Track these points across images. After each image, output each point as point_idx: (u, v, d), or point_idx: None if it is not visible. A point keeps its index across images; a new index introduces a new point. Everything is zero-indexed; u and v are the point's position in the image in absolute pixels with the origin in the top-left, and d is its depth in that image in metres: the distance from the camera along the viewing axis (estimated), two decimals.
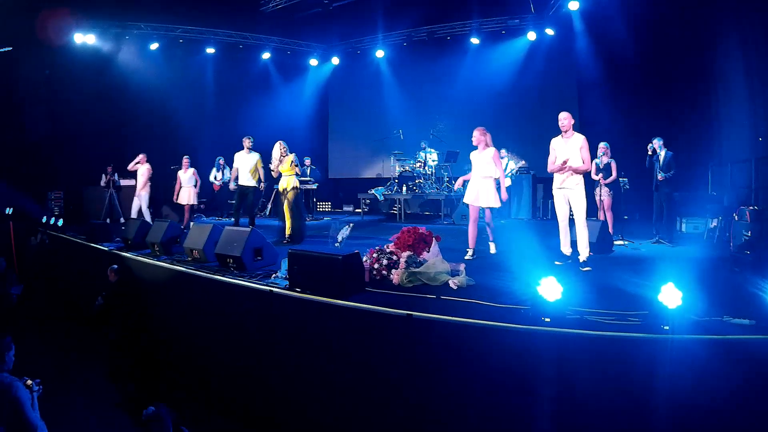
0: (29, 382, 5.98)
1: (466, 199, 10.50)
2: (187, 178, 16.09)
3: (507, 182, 15.19)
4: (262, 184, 14.36)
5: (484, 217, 10.53)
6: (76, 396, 7.68)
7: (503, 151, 16.24)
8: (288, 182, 12.65)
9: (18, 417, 5.74)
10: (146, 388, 7.50)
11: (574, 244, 9.51)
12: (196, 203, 16.75)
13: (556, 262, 9.49)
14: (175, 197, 16.05)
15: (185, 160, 16.15)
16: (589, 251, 9.30)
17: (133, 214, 15.89)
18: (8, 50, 16.90)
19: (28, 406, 5.83)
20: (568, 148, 9.36)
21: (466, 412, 5.96)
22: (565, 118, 9.46)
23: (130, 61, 19.77)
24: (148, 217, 15.63)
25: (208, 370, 9.38)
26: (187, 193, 16.05)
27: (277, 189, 12.94)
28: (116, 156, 19.00)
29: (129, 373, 9.73)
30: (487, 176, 10.25)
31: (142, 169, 16.15)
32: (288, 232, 12.52)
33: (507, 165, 16.84)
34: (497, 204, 10.33)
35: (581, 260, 9.22)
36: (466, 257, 10.06)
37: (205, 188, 19.24)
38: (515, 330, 5.75)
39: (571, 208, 9.39)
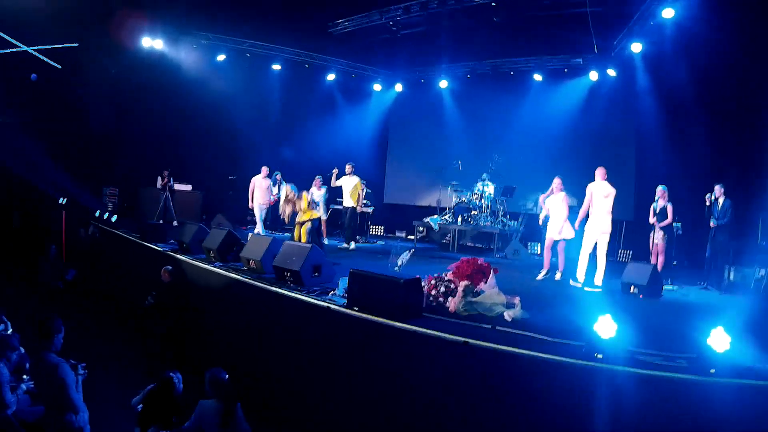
0: (75, 364, 6.21)
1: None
2: (320, 194, 16.72)
3: None
4: (359, 206, 16.25)
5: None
6: (116, 387, 7.93)
7: None
8: (309, 214, 13.17)
9: (62, 397, 5.92)
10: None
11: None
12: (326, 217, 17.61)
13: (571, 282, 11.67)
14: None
15: (317, 179, 16.76)
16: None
17: (260, 226, 16.94)
18: (75, 46, 17.37)
19: (73, 388, 6.01)
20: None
21: None
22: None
23: (195, 70, 20.01)
24: (260, 227, 16.68)
25: (254, 380, 9.34)
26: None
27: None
28: (174, 160, 19.53)
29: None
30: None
31: (266, 182, 16.92)
32: None
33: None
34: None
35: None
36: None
37: None
38: (569, 364, 5.90)
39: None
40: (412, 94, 23.31)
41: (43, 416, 6.26)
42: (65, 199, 17.40)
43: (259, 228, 16.55)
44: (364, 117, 23.80)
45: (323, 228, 17.27)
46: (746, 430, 5.18)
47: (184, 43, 19.64)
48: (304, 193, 13.22)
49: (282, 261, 10.00)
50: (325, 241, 16.69)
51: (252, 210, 17.32)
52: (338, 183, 15.88)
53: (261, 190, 16.73)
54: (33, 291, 14.42)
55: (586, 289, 11.31)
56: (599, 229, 11.51)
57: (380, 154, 24.52)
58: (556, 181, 12.57)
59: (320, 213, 16.82)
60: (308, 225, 12.89)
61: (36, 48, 17.10)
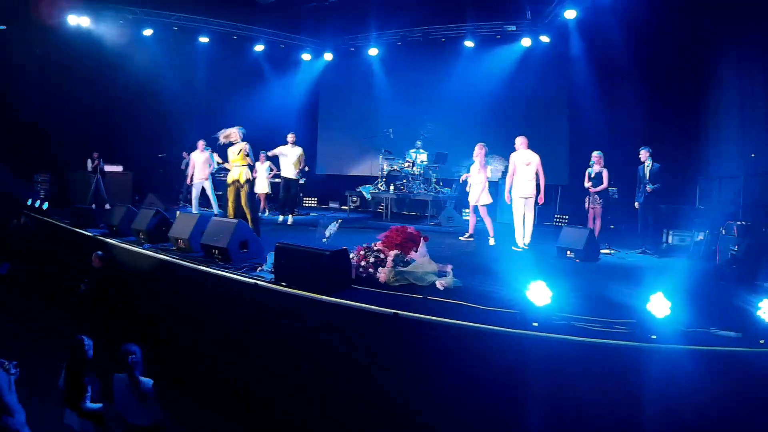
0: (6, 364, 5.91)
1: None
2: (264, 168, 16.88)
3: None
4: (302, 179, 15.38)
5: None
6: (55, 381, 7.58)
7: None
8: (242, 173, 11.90)
9: None
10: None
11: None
12: (270, 192, 17.56)
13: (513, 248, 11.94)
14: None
15: (262, 155, 16.59)
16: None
17: (194, 205, 16.10)
18: (2, 28, 16.69)
19: (5, 390, 5.75)
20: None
21: (451, 413, 5.93)
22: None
23: (122, 46, 19.48)
24: (215, 205, 16.18)
25: (188, 359, 9.28)
26: (262, 182, 16.84)
27: (227, 180, 12.19)
28: (103, 141, 18.94)
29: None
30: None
31: (203, 156, 16.05)
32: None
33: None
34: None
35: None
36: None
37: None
38: (504, 333, 5.72)
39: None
40: (342, 63, 23.11)
41: None
42: None
43: (194, 207, 15.98)
44: (293, 87, 23.49)
45: (263, 203, 17.39)
46: (687, 396, 5.07)
47: (110, 18, 18.99)
48: (244, 144, 12.33)
49: (209, 238, 9.69)
50: (266, 213, 16.90)
51: (190, 188, 16.65)
52: (276, 152, 15.41)
53: (199, 165, 15.99)
54: None
55: (513, 248, 11.95)
56: (523, 195, 11.95)
57: (311, 124, 24.38)
58: (476, 149, 13.07)
59: (265, 188, 17.17)
60: (247, 188, 11.93)
61: None
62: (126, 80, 19.67)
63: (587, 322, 5.97)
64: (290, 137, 15.25)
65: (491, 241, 12.58)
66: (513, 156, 12.27)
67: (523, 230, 11.99)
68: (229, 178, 12.02)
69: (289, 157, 15.20)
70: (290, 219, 15.71)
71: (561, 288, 6.32)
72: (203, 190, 16.09)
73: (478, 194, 12.76)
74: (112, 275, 10.98)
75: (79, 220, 13.49)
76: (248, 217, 11.68)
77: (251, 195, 12.09)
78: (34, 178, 19.16)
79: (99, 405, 7.05)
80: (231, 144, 12.17)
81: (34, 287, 14.33)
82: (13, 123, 18.04)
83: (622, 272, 9.99)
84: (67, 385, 7.09)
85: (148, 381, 6.71)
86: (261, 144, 15.18)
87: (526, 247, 11.84)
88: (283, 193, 15.65)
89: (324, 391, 7.03)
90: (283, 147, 15.28)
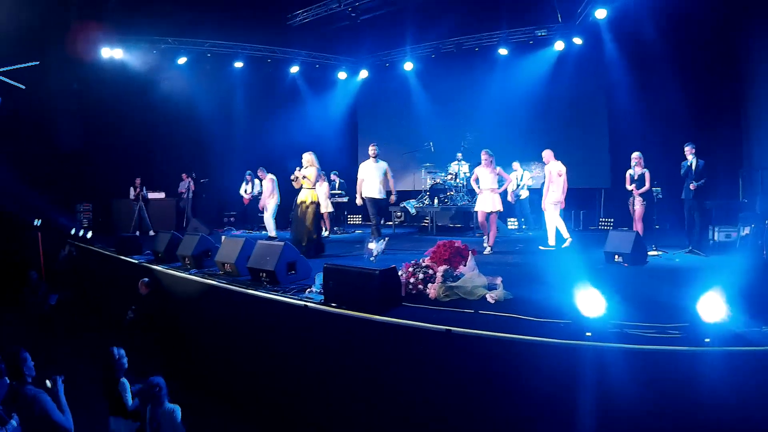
0: (52, 379, 6.08)
1: None
2: (323, 191, 16.23)
3: (525, 193, 17.09)
4: (392, 196, 14.25)
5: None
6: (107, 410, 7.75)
7: (516, 164, 17.81)
8: (310, 195, 12.60)
9: (48, 425, 5.79)
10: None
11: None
12: (333, 210, 17.64)
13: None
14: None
15: (322, 175, 15.76)
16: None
17: (270, 227, 16.29)
18: (36, 64, 17.03)
19: (56, 412, 5.88)
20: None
21: (506, 426, 5.92)
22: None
23: (158, 76, 19.93)
24: (271, 227, 16.17)
25: (238, 384, 9.36)
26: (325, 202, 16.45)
27: (296, 201, 12.80)
28: (144, 169, 19.28)
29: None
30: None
31: (265, 181, 16.31)
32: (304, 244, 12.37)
33: (522, 176, 17.34)
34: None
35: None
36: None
37: (235, 201, 19.47)
38: (557, 345, 5.69)
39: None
40: (378, 79, 23.18)
41: None
42: (40, 221, 16.97)
43: (270, 230, 16.22)
44: (331, 106, 23.58)
45: (327, 222, 17.17)
46: (745, 400, 4.96)
47: (143, 49, 19.39)
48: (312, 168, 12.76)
49: (256, 262, 9.74)
50: (326, 234, 16.55)
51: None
52: (361, 176, 13.99)
53: (266, 191, 16.28)
54: (19, 320, 14.01)
55: (540, 248, 13.20)
56: (553, 201, 12.98)
57: (351, 143, 24.38)
58: (483, 156, 13.04)
59: (328, 207, 16.83)
60: (312, 208, 12.50)
61: None
62: (164, 108, 20.07)
63: (640, 329, 5.91)
64: (372, 150, 13.98)
65: (488, 250, 12.86)
66: (546, 168, 13.37)
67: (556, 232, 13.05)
68: (298, 199, 12.65)
69: (378, 172, 13.86)
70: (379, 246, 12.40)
71: (612, 294, 6.28)
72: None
73: (492, 201, 12.85)
74: (159, 302, 11.12)
75: (124, 247, 13.69)
76: (312, 236, 12.39)
77: (316, 216, 12.59)
78: (76, 207, 19.49)
79: (137, 401, 7.21)
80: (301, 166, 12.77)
81: (82, 316, 14.50)
82: (54, 155, 18.36)
83: (672, 274, 9.88)
84: (106, 394, 7.33)
85: (176, 408, 6.76)
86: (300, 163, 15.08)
87: (551, 248, 12.98)
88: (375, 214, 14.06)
89: (380, 411, 6.99)
90: (363, 164, 14.16)
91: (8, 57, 16.41)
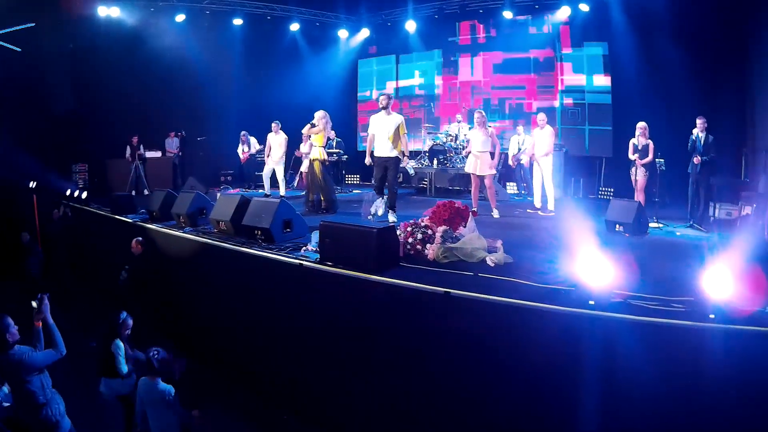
0: (38, 299, 6.03)
1: None
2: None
3: (526, 158, 16.03)
4: (405, 158, 11.70)
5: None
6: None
7: (519, 128, 17.77)
8: (320, 152, 12.72)
9: (30, 392, 5.80)
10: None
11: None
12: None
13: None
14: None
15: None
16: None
17: (267, 185, 16.09)
18: (31, 26, 16.75)
19: (43, 359, 5.93)
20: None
21: (504, 393, 5.84)
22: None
23: (155, 34, 19.55)
24: (283, 187, 16.06)
25: (232, 344, 9.34)
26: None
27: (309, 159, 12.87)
28: (141, 128, 19.06)
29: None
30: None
31: (280, 138, 15.86)
32: (324, 204, 12.57)
33: (525, 140, 17.05)
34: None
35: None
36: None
37: (232, 160, 19.33)
38: (560, 312, 5.59)
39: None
40: (379, 38, 22.99)
41: (15, 411, 6.05)
42: (35, 183, 16.78)
43: (266, 188, 16.07)
44: (331, 65, 23.35)
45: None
46: (749, 381, 4.85)
47: (140, 7, 19.08)
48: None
49: (251, 219, 9.64)
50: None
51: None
52: (372, 131, 11.69)
53: (275, 147, 15.82)
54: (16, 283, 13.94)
55: (540, 213, 13.08)
56: (540, 153, 13.07)
57: (351, 102, 24.17)
58: (476, 114, 12.74)
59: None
60: (319, 165, 12.73)
61: None
62: (161, 66, 19.66)
63: (643, 301, 5.80)
64: (383, 100, 11.52)
65: (495, 213, 12.67)
66: (534, 132, 13.50)
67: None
68: (311, 156, 12.98)
69: (384, 131, 11.41)
70: (391, 216, 11.30)
71: (614, 264, 6.17)
72: (274, 172, 16.01)
73: (481, 164, 12.40)
74: (153, 261, 10.99)
75: (118, 207, 13.56)
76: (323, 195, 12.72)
77: (326, 172, 12.89)
78: (71, 168, 19.30)
79: (129, 366, 7.24)
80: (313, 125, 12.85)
81: (77, 277, 14.52)
82: (48, 116, 18.10)
83: (674, 247, 9.77)
84: (99, 356, 7.34)
85: (169, 389, 6.49)
86: (302, 122, 14.70)
87: (551, 213, 12.91)
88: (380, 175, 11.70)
89: (374, 372, 6.96)
90: (373, 117, 11.84)
91: (3, 19, 16.19)
